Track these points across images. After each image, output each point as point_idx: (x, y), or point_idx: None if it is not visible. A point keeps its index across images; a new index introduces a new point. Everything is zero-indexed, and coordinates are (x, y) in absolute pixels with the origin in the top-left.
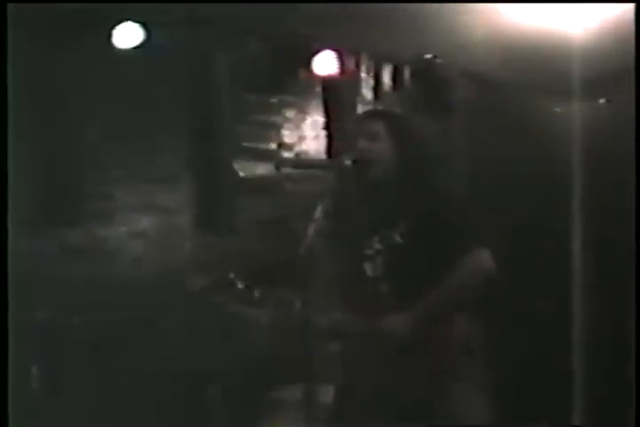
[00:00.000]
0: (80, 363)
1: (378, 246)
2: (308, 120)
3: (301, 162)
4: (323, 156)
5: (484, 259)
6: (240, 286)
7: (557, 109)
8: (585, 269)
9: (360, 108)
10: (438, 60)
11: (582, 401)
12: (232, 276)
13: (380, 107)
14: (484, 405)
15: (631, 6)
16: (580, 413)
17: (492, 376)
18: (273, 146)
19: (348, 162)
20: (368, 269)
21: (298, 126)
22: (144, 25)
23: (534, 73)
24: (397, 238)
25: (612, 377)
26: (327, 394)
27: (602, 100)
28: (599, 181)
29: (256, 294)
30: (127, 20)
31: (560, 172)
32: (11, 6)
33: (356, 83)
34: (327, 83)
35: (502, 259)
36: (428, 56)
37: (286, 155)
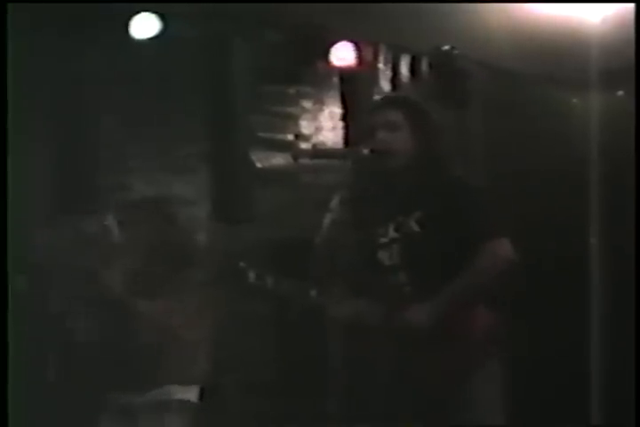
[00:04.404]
0: (93, 356)
1: (393, 235)
2: (326, 111)
3: (319, 152)
4: (340, 147)
5: (504, 248)
6: (251, 275)
7: (575, 100)
8: (603, 264)
9: None
10: (456, 52)
11: (600, 401)
12: (242, 265)
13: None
14: (503, 397)
15: None
16: (598, 412)
17: (511, 369)
18: (290, 137)
19: (365, 151)
20: (384, 257)
21: (315, 117)
22: (161, 15)
23: (552, 64)
24: (414, 226)
25: (631, 376)
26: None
27: (620, 92)
28: (617, 172)
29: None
30: (144, 10)
31: (578, 163)
32: None
33: (373, 74)
34: (345, 74)
35: (520, 250)
36: (446, 47)
37: (303, 145)
